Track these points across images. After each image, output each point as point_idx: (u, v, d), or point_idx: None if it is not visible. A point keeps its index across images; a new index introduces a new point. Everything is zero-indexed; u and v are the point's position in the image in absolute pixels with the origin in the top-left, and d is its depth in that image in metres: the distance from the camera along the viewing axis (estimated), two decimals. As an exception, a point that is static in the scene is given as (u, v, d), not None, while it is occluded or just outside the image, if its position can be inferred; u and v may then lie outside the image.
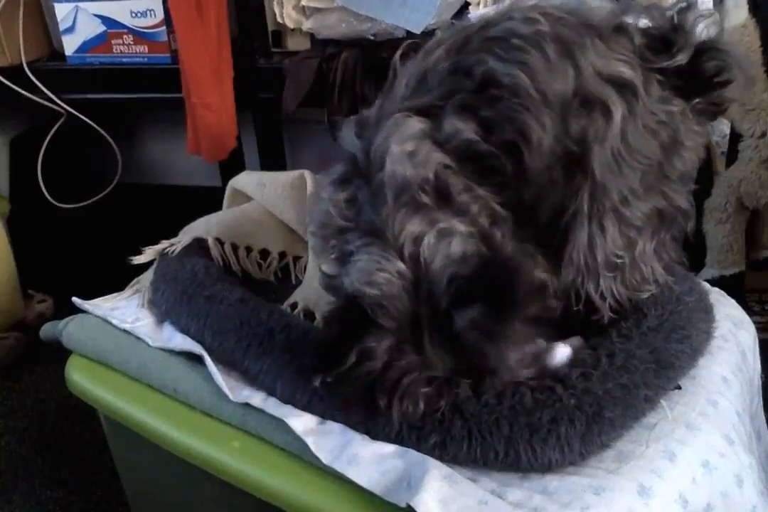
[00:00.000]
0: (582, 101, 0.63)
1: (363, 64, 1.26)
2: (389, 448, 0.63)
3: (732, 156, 1.26)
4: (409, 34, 1.24)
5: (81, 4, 1.39)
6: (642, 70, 0.64)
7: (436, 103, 0.65)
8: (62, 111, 1.47)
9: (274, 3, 1.32)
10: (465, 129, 0.63)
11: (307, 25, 1.31)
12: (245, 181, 1.03)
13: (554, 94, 0.62)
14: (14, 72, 1.42)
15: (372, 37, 1.28)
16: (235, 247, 0.95)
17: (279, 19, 1.33)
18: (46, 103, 1.45)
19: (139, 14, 1.37)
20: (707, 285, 0.83)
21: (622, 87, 0.63)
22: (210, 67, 1.28)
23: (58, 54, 1.49)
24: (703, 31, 0.68)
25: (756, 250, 1.33)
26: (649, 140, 0.65)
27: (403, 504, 0.57)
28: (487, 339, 0.59)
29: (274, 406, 0.69)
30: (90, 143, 1.59)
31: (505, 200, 0.63)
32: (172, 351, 0.79)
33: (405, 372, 0.60)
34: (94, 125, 1.51)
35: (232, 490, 0.68)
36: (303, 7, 1.30)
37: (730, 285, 1.17)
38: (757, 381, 0.82)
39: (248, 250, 0.95)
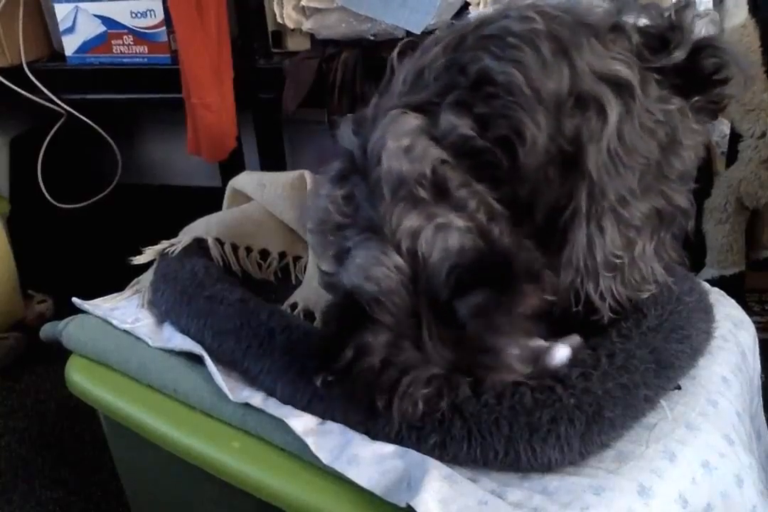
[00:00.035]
0: (576, 100, 0.62)
1: (363, 64, 1.27)
2: (389, 448, 0.63)
3: (732, 156, 1.26)
4: (409, 35, 1.24)
5: (81, 5, 1.39)
6: (639, 69, 0.64)
7: (433, 100, 0.65)
8: (62, 111, 1.47)
9: (274, 3, 1.32)
10: (461, 125, 0.63)
11: (307, 25, 1.31)
12: (245, 181, 1.03)
13: (548, 92, 0.62)
14: (14, 72, 1.42)
15: (372, 38, 1.28)
16: (235, 247, 0.95)
17: (279, 20, 1.33)
18: (46, 103, 1.45)
19: (139, 14, 1.37)
20: (707, 285, 0.83)
21: (619, 86, 0.63)
22: (210, 67, 1.29)
23: (58, 54, 1.49)
24: (701, 29, 0.68)
25: (756, 250, 1.33)
26: (647, 139, 0.64)
27: (403, 505, 0.57)
28: (489, 329, 0.59)
29: (274, 406, 0.69)
30: (90, 143, 1.59)
31: (501, 196, 0.63)
32: (172, 352, 0.79)
33: (404, 370, 0.60)
34: (95, 125, 1.52)
35: (232, 490, 0.68)
36: (303, 7, 1.30)
37: (730, 285, 1.17)
38: (757, 381, 0.82)
39: (248, 250, 0.96)
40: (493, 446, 0.60)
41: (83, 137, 1.54)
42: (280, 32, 1.37)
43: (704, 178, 1.27)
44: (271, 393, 0.71)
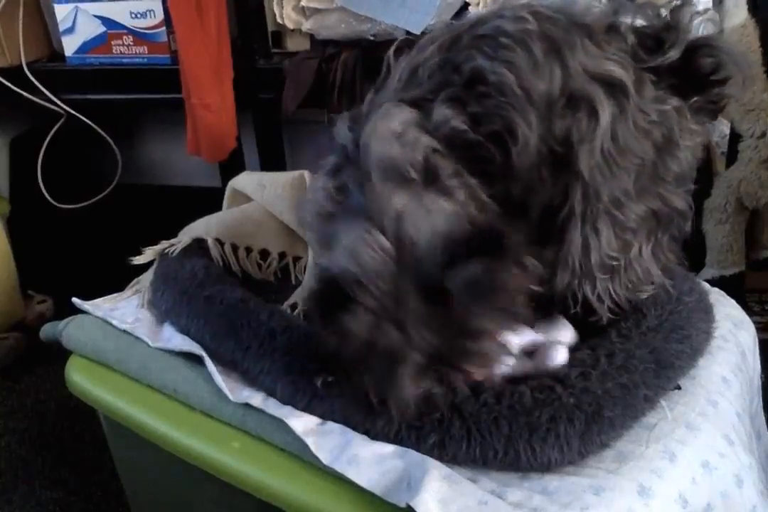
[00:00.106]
0: (568, 101, 0.62)
1: (363, 65, 1.27)
2: (389, 448, 0.63)
3: (732, 156, 1.26)
4: (409, 35, 1.24)
5: (81, 5, 1.39)
6: (634, 70, 0.64)
7: (426, 96, 0.65)
8: (62, 111, 1.47)
9: (274, 3, 1.32)
10: (454, 118, 0.63)
11: (306, 25, 1.31)
12: (245, 181, 1.03)
13: (539, 93, 0.62)
14: (14, 72, 1.42)
15: (372, 38, 1.28)
16: (235, 248, 0.95)
17: (279, 20, 1.33)
18: (46, 103, 1.45)
19: (138, 15, 1.37)
20: (707, 286, 0.83)
21: (612, 86, 0.63)
22: (210, 67, 1.29)
23: (57, 55, 1.49)
24: (700, 28, 0.68)
25: (756, 250, 1.33)
26: (642, 140, 0.64)
27: (402, 505, 0.57)
28: (478, 302, 0.58)
29: (274, 407, 0.69)
30: (90, 144, 1.59)
31: (494, 193, 0.63)
32: (172, 352, 0.79)
33: (390, 356, 0.59)
34: (94, 126, 1.52)
35: (232, 490, 0.68)
36: (303, 7, 1.30)
37: (730, 286, 1.17)
38: (757, 382, 0.82)
39: (248, 250, 0.95)
40: (493, 445, 0.60)
41: (83, 137, 1.54)
42: (280, 32, 1.38)
43: (704, 178, 1.27)
44: (271, 393, 0.71)
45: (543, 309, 0.69)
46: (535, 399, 0.62)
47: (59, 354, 0.86)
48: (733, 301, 0.83)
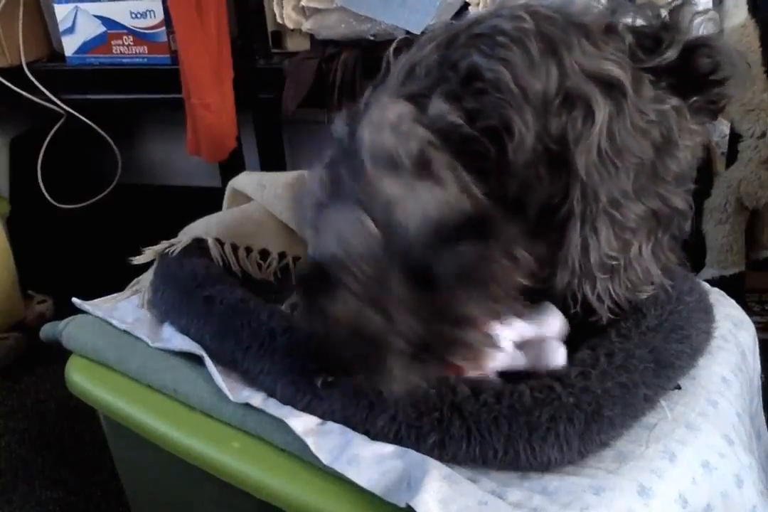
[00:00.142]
0: (564, 100, 0.62)
1: (363, 65, 1.27)
2: (389, 448, 0.63)
3: (732, 156, 1.26)
4: (409, 35, 1.24)
5: (81, 5, 1.39)
6: (632, 70, 0.64)
7: (423, 92, 0.65)
8: (62, 111, 1.47)
9: (274, 3, 1.32)
10: (450, 113, 0.63)
11: (306, 25, 1.31)
12: (245, 181, 1.03)
13: (535, 91, 0.62)
14: (14, 72, 1.42)
15: (372, 38, 1.28)
16: (235, 248, 0.95)
17: (279, 20, 1.33)
18: (46, 103, 1.45)
19: (138, 15, 1.37)
20: (707, 286, 0.83)
21: (609, 86, 0.63)
22: (210, 67, 1.29)
23: (57, 55, 1.49)
24: (699, 28, 0.68)
25: (756, 250, 1.33)
26: (640, 140, 0.64)
27: (402, 505, 0.57)
28: (467, 287, 0.58)
29: (274, 407, 0.69)
30: (90, 144, 1.59)
31: (489, 191, 0.63)
32: (171, 352, 0.79)
33: (379, 346, 0.59)
34: (94, 126, 1.52)
35: (232, 490, 0.68)
36: (303, 7, 1.30)
37: (730, 286, 1.17)
38: (757, 382, 0.82)
39: (248, 250, 0.95)
40: (493, 445, 0.60)
41: (83, 137, 1.55)
42: (280, 32, 1.38)
43: (704, 178, 1.27)
44: (271, 393, 0.71)
45: (532, 300, 0.69)
46: (535, 399, 0.62)
47: (59, 354, 0.86)
48: (733, 301, 0.83)
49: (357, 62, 1.27)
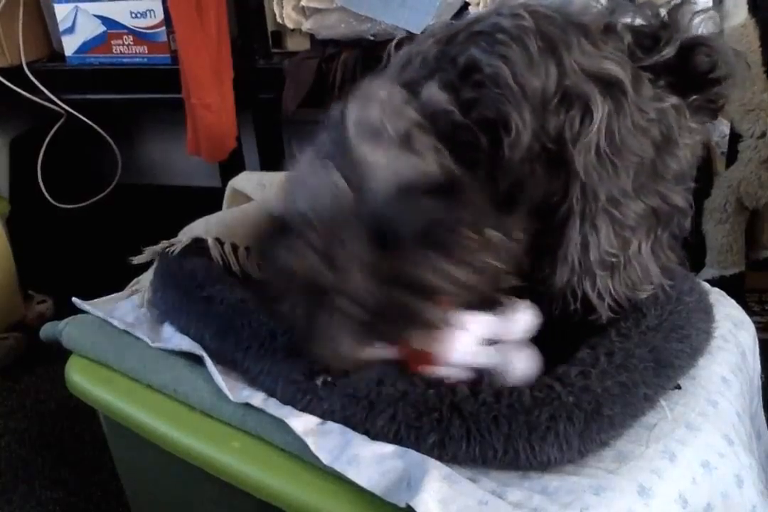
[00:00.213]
0: (562, 98, 0.62)
1: (363, 65, 1.27)
2: (389, 448, 0.63)
3: (732, 156, 1.26)
4: (409, 35, 1.24)
5: (81, 5, 1.39)
6: (631, 68, 0.64)
7: (418, 80, 0.65)
8: (62, 111, 1.47)
9: (274, 3, 1.32)
10: (443, 100, 0.62)
11: (306, 25, 1.31)
12: (245, 181, 1.03)
13: (533, 89, 0.62)
14: (14, 72, 1.42)
15: (372, 38, 1.28)
16: (235, 247, 0.95)
17: (279, 20, 1.33)
18: (46, 103, 1.45)
19: (138, 15, 1.37)
20: (707, 286, 0.83)
21: (609, 84, 0.63)
22: (210, 67, 1.29)
23: (57, 54, 1.49)
24: (699, 27, 0.69)
25: (756, 250, 1.33)
26: (640, 138, 0.64)
27: (402, 505, 0.57)
28: (430, 252, 0.57)
29: (274, 407, 0.69)
30: (90, 144, 1.59)
31: (477, 182, 0.63)
32: (171, 352, 0.79)
33: (332, 304, 0.57)
34: (94, 126, 1.52)
35: (232, 490, 0.68)
36: (303, 7, 1.30)
37: (730, 286, 1.17)
38: (757, 382, 0.82)
39: (248, 250, 0.95)
40: (492, 445, 0.60)
41: (83, 137, 1.55)
42: (280, 32, 1.38)
43: (704, 178, 1.27)
44: (271, 393, 0.71)
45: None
46: (535, 398, 0.62)
47: (59, 354, 0.86)
48: (733, 301, 0.83)
49: (357, 62, 1.27)
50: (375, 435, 0.64)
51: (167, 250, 0.92)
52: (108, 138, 1.56)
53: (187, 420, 0.73)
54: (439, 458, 0.61)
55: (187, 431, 0.72)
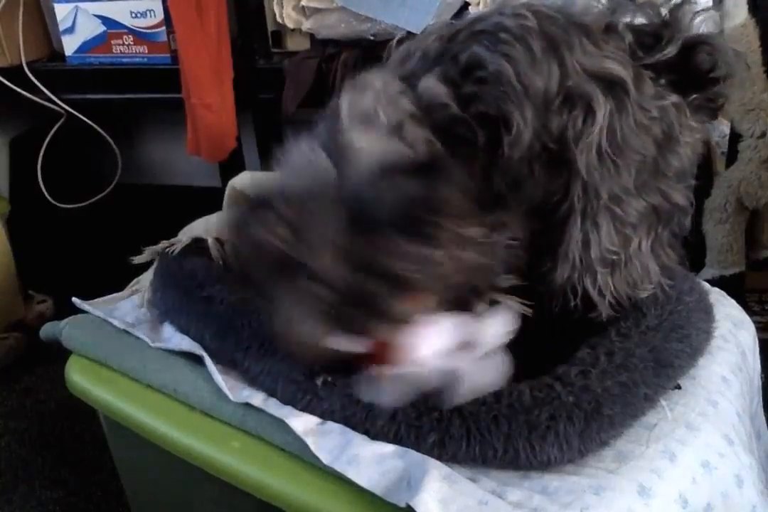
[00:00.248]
0: (564, 99, 0.63)
1: (363, 65, 1.27)
2: (389, 448, 0.63)
3: (732, 156, 1.26)
4: (409, 35, 1.24)
5: (81, 5, 1.39)
6: (633, 67, 0.64)
7: (417, 74, 0.65)
8: (62, 111, 1.47)
9: (274, 3, 1.32)
10: (440, 92, 0.62)
11: (306, 25, 1.31)
12: (245, 181, 1.03)
13: (536, 89, 0.62)
14: (14, 72, 1.42)
15: (372, 38, 1.28)
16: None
17: (279, 20, 1.33)
18: (46, 103, 1.45)
19: (138, 14, 1.37)
20: (707, 285, 0.83)
21: (611, 84, 0.63)
22: (210, 67, 1.29)
23: (57, 54, 1.49)
24: (699, 27, 0.69)
25: (756, 250, 1.33)
26: (642, 136, 0.64)
27: (402, 505, 0.57)
28: (405, 231, 0.55)
29: (274, 406, 0.69)
30: (90, 143, 1.59)
31: (471, 179, 0.62)
32: (171, 352, 0.79)
33: (301, 283, 0.55)
34: (94, 125, 1.52)
35: (232, 490, 0.68)
36: (303, 7, 1.30)
37: (730, 286, 1.17)
38: (757, 382, 0.82)
39: (248, 250, 0.95)
40: (492, 444, 0.60)
41: (83, 137, 1.54)
42: (280, 32, 1.38)
43: (704, 178, 1.27)
44: (271, 393, 0.71)
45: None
46: (535, 398, 0.62)
47: (59, 354, 0.86)
48: (733, 301, 0.83)
49: (357, 62, 1.27)
50: (375, 435, 0.64)
51: (167, 250, 0.92)
52: (108, 138, 1.56)
53: (187, 420, 0.73)
54: (439, 457, 0.61)
55: (187, 431, 0.72)
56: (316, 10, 1.30)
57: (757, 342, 0.82)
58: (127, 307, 0.89)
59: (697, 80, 0.68)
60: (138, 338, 0.82)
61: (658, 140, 0.66)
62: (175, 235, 0.96)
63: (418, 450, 0.62)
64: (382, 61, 0.71)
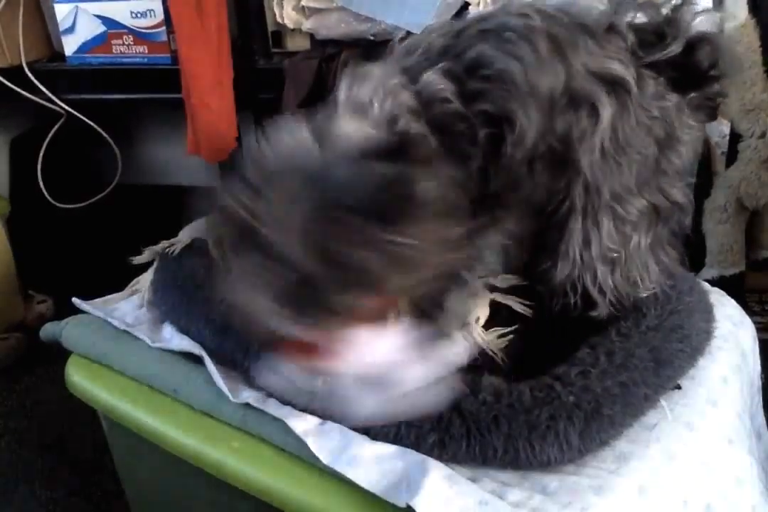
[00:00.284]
0: (570, 99, 0.63)
1: (363, 65, 1.26)
2: (389, 449, 0.63)
3: (732, 156, 1.26)
4: (409, 35, 1.24)
5: (81, 5, 1.39)
6: (635, 67, 0.65)
7: (420, 68, 0.64)
8: (62, 111, 1.47)
9: (274, 3, 1.32)
10: (443, 88, 0.61)
11: (306, 25, 1.31)
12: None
13: (542, 89, 0.62)
14: (14, 72, 1.42)
15: (372, 38, 1.28)
16: (235, 247, 0.95)
17: (279, 20, 1.33)
18: (46, 103, 1.45)
19: (138, 15, 1.37)
20: (707, 286, 0.83)
21: (614, 84, 0.63)
22: (210, 67, 1.28)
23: (58, 54, 1.49)
24: (699, 25, 0.69)
25: (756, 250, 1.33)
26: (643, 136, 0.65)
27: (402, 505, 0.57)
28: (370, 219, 0.52)
29: (274, 407, 0.69)
30: (90, 143, 1.59)
31: (467, 177, 0.61)
32: (172, 352, 0.79)
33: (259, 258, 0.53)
34: (94, 125, 1.51)
35: (232, 491, 0.68)
36: (303, 7, 1.30)
37: (730, 286, 1.17)
38: (757, 382, 0.82)
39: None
40: (493, 444, 0.60)
41: (83, 137, 1.54)
42: (280, 32, 1.37)
43: (704, 178, 1.27)
44: (271, 393, 0.71)
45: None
46: (535, 398, 0.62)
47: (59, 354, 0.86)
48: (733, 301, 0.83)
49: (357, 62, 1.27)
50: (375, 435, 0.64)
51: (167, 250, 0.92)
52: (108, 138, 1.56)
53: (187, 420, 0.73)
54: (439, 457, 0.61)
55: (187, 431, 0.72)
56: (316, 10, 1.30)
57: (757, 342, 0.82)
58: (127, 307, 0.89)
59: (697, 78, 0.68)
60: (138, 338, 0.82)
61: (659, 139, 0.66)
62: (175, 235, 0.96)
63: (418, 450, 0.62)
64: (384, 57, 0.71)
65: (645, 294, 0.71)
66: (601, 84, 0.63)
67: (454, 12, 1.26)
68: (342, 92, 0.62)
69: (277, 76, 1.32)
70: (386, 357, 0.59)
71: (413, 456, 0.61)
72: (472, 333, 0.69)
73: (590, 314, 0.70)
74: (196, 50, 1.27)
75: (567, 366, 0.66)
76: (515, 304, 0.76)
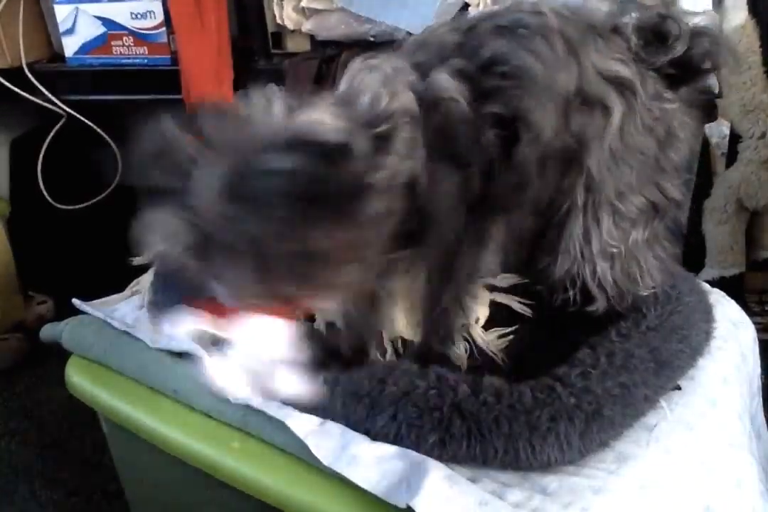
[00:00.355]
0: (584, 99, 0.63)
1: (362, 65, 1.27)
2: (389, 449, 0.63)
3: (732, 157, 1.26)
4: (410, 36, 1.24)
5: (81, 6, 1.39)
6: (638, 69, 0.65)
7: (431, 63, 0.63)
8: (62, 112, 1.47)
9: (274, 4, 1.32)
10: (450, 87, 0.60)
11: (306, 26, 1.31)
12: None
13: (559, 86, 0.62)
14: (14, 73, 1.42)
15: (372, 39, 1.28)
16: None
17: (279, 21, 1.33)
18: (46, 104, 1.45)
19: (138, 16, 1.37)
20: (707, 286, 0.83)
21: (621, 86, 0.64)
22: (210, 67, 1.29)
23: (58, 55, 1.49)
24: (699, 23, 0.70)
25: (756, 250, 1.33)
26: (646, 136, 0.66)
27: (403, 505, 0.57)
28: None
29: (274, 407, 0.69)
30: (90, 144, 1.59)
31: (460, 180, 0.61)
32: (172, 352, 0.79)
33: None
34: (94, 126, 1.51)
35: (232, 491, 0.68)
36: (303, 8, 1.30)
37: (730, 286, 1.17)
38: (757, 382, 0.82)
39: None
40: (493, 444, 0.60)
41: (83, 138, 1.54)
42: (280, 33, 1.37)
43: (704, 178, 1.27)
44: (271, 393, 0.71)
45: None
46: (536, 399, 0.62)
47: (59, 354, 0.86)
48: (733, 302, 0.83)
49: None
50: (375, 435, 0.64)
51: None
52: (108, 139, 1.56)
53: (187, 420, 0.73)
54: (440, 457, 0.61)
55: (187, 432, 0.72)
56: (317, 11, 1.30)
57: (756, 342, 0.82)
58: (127, 308, 0.89)
59: (690, 72, 0.69)
60: (138, 339, 0.82)
61: (660, 138, 0.67)
62: (175, 235, 0.96)
63: (418, 450, 0.62)
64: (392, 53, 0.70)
65: (645, 293, 0.72)
66: (611, 85, 0.64)
67: (454, 12, 1.26)
68: (345, 80, 0.61)
69: (277, 77, 1.32)
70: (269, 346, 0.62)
71: (413, 456, 0.61)
72: (473, 334, 0.70)
73: (588, 309, 0.70)
74: (196, 51, 1.27)
75: (567, 367, 0.66)
76: (515, 304, 0.76)
